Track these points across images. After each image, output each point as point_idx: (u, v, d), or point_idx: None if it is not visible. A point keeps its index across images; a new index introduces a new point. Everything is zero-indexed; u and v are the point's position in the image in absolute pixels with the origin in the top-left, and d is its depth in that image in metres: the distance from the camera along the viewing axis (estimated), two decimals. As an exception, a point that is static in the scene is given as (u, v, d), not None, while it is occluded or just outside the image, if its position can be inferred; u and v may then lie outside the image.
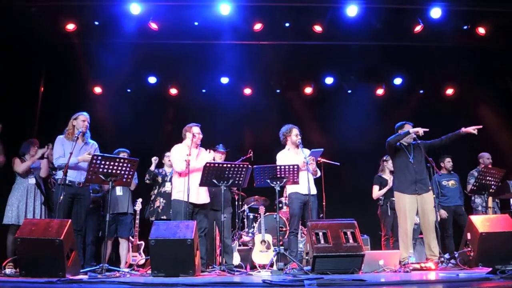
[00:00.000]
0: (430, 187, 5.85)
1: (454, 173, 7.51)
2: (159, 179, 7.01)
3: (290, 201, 5.99)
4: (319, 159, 6.13)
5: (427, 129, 5.76)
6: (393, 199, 6.84)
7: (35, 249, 4.27)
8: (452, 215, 7.22)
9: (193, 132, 5.81)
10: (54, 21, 7.98)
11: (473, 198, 7.46)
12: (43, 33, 8.18)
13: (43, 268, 4.22)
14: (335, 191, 7.88)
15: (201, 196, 5.68)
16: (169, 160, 6.91)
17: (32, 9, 7.55)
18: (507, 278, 3.30)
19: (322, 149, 5.84)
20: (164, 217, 6.67)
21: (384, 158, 7.47)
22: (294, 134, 6.09)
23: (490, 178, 5.97)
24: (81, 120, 5.69)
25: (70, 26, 8.05)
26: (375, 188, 7.51)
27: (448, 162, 7.48)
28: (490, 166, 6.19)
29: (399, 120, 6.32)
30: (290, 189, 5.99)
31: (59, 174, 5.50)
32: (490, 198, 6.73)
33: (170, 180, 6.82)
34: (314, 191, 5.94)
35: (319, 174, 6.25)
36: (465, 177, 7.60)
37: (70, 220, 4.57)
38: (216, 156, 6.55)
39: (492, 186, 6.02)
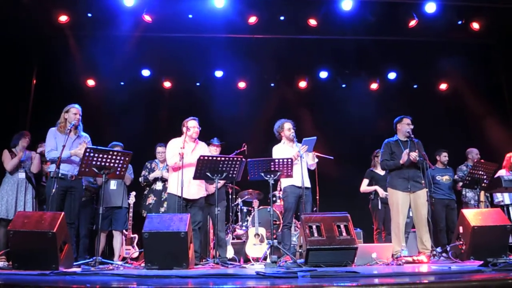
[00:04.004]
0: (423, 182, 5.86)
1: (449, 168, 7.53)
2: (150, 176, 7.01)
3: (285, 195, 5.97)
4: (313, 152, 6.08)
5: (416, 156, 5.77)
6: (384, 193, 6.89)
7: (28, 242, 4.24)
8: (445, 209, 7.26)
9: (187, 125, 5.78)
10: (46, 13, 7.92)
11: (464, 192, 7.50)
12: (36, 25, 8.11)
13: (36, 260, 4.21)
14: (329, 185, 7.89)
15: (193, 190, 5.65)
16: (161, 156, 6.95)
17: (24, 1, 7.48)
18: (499, 270, 3.33)
19: (316, 138, 5.81)
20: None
21: (375, 153, 7.49)
22: (287, 129, 6.08)
23: (482, 172, 6.00)
24: (73, 113, 5.63)
25: (63, 18, 8.01)
26: (365, 181, 7.55)
27: (444, 157, 7.49)
28: (482, 160, 6.22)
29: (393, 115, 6.34)
30: (285, 182, 5.98)
31: (52, 167, 5.47)
32: (482, 192, 6.79)
33: (161, 179, 6.89)
34: (308, 184, 5.93)
35: (316, 159, 6.22)
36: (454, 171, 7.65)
37: (63, 213, 4.55)
38: (211, 149, 6.54)
39: (484, 180, 6.05)
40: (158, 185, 6.92)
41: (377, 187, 7.32)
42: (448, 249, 5.45)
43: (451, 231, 6.97)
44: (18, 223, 4.36)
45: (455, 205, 7.31)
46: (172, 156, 5.63)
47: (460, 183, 7.28)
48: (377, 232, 7.39)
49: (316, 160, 6.16)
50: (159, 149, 7.04)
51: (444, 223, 7.25)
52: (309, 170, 6.15)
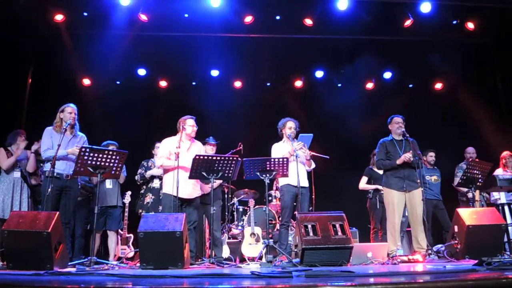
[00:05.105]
0: (418, 182, 5.87)
1: (436, 168, 7.55)
2: (146, 174, 6.96)
3: (282, 194, 5.99)
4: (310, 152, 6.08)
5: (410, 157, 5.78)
6: (382, 192, 6.90)
7: (22, 242, 4.22)
8: (432, 209, 7.26)
9: (184, 124, 5.75)
10: (42, 11, 7.89)
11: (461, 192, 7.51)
12: (32, 23, 8.07)
13: (31, 260, 4.18)
14: (325, 184, 7.90)
15: (189, 190, 5.64)
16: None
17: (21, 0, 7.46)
18: (493, 269, 3.34)
19: (312, 135, 5.82)
20: (153, 213, 6.64)
21: (374, 152, 7.50)
22: (288, 127, 6.07)
23: (477, 172, 6.02)
24: (68, 112, 5.61)
25: (59, 17, 7.99)
26: (364, 179, 7.57)
27: (430, 157, 7.51)
28: (477, 159, 6.24)
29: (388, 114, 6.36)
30: (282, 181, 5.99)
31: (47, 167, 5.45)
32: (477, 191, 6.81)
33: (158, 176, 6.81)
34: (305, 183, 5.92)
35: (313, 165, 6.18)
36: (449, 170, 7.66)
37: (57, 213, 4.52)
38: (207, 149, 6.53)
39: (479, 180, 6.07)
40: (156, 183, 6.89)
41: (377, 186, 7.33)
42: (443, 248, 5.47)
43: (445, 231, 6.99)
44: (13, 222, 4.33)
45: (443, 206, 7.32)
46: (161, 157, 5.64)
47: (456, 182, 7.30)
48: (373, 231, 7.40)
49: (313, 166, 6.17)
50: (158, 144, 6.98)
51: (431, 223, 7.25)
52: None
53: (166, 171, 5.71)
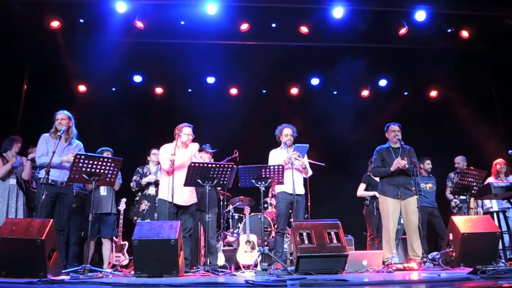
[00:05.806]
0: (413, 189, 5.87)
1: (432, 176, 7.56)
2: (142, 181, 6.92)
3: (277, 201, 6.01)
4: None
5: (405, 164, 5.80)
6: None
7: (16, 249, 4.19)
8: (428, 217, 7.26)
9: (180, 131, 5.73)
10: (38, 18, 7.90)
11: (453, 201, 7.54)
12: (28, 30, 8.08)
13: (24, 268, 4.15)
14: (320, 192, 7.90)
15: (185, 197, 5.62)
16: (156, 158, 6.87)
17: (17, 6, 7.45)
18: (488, 278, 3.34)
19: (308, 145, 5.83)
20: (148, 220, 6.61)
21: (371, 159, 7.51)
22: (284, 134, 6.08)
23: (471, 179, 6.04)
24: (56, 118, 5.60)
25: (55, 24, 8.00)
26: (362, 186, 7.56)
27: (427, 164, 7.52)
28: (471, 167, 6.26)
29: (383, 122, 6.38)
30: (277, 188, 6.00)
31: (42, 173, 5.42)
32: (472, 199, 6.83)
33: (154, 183, 6.78)
34: (301, 191, 5.92)
35: (310, 173, 6.17)
36: (443, 178, 7.68)
37: (52, 220, 4.49)
38: (204, 156, 6.51)
39: (474, 187, 6.08)
40: (151, 190, 6.83)
41: (375, 193, 7.33)
42: (438, 256, 5.47)
43: (441, 238, 6.99)
44: (6, 230, 4.31)
45: (438, 213, 7.32)
46: (166, 160, 5.60)
47: (449, 191, 7.34)
48: (370, 239, 7.39)
49: (311, 173, 6.17)
50: (154, 150, 6.97)
51: (426, 231, 7.25)
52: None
53: (164, 176, 5.68)
